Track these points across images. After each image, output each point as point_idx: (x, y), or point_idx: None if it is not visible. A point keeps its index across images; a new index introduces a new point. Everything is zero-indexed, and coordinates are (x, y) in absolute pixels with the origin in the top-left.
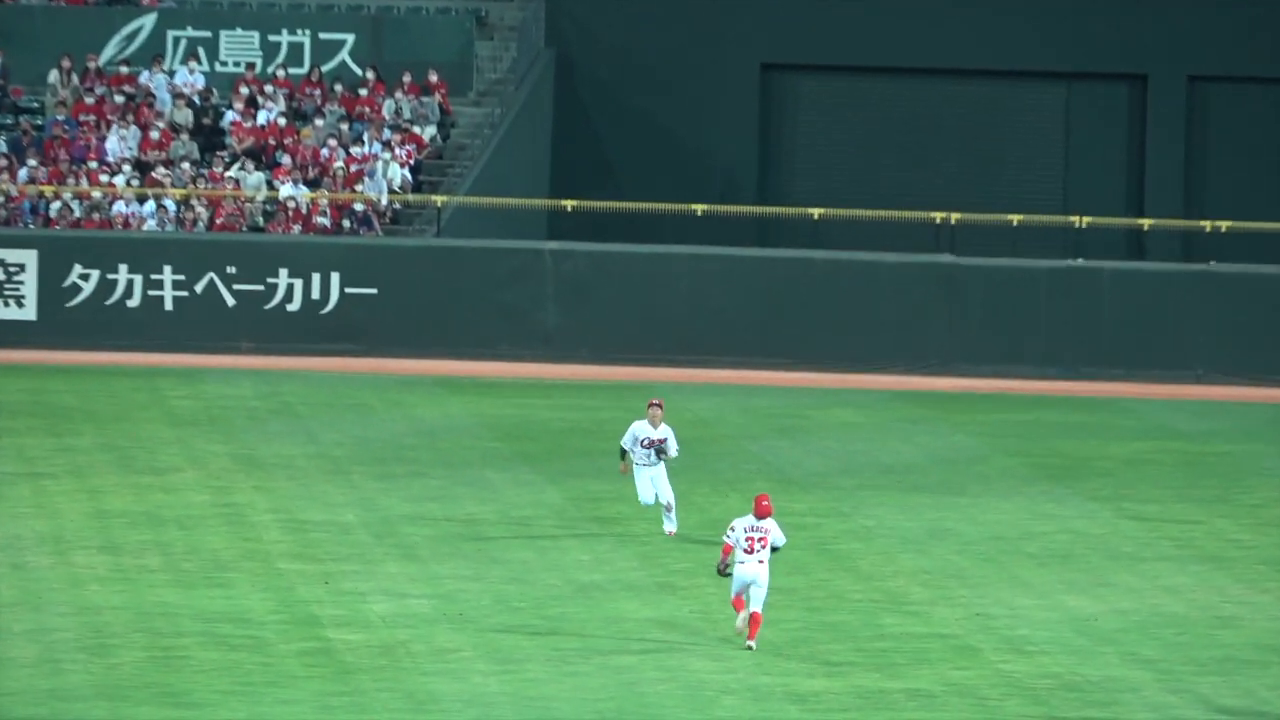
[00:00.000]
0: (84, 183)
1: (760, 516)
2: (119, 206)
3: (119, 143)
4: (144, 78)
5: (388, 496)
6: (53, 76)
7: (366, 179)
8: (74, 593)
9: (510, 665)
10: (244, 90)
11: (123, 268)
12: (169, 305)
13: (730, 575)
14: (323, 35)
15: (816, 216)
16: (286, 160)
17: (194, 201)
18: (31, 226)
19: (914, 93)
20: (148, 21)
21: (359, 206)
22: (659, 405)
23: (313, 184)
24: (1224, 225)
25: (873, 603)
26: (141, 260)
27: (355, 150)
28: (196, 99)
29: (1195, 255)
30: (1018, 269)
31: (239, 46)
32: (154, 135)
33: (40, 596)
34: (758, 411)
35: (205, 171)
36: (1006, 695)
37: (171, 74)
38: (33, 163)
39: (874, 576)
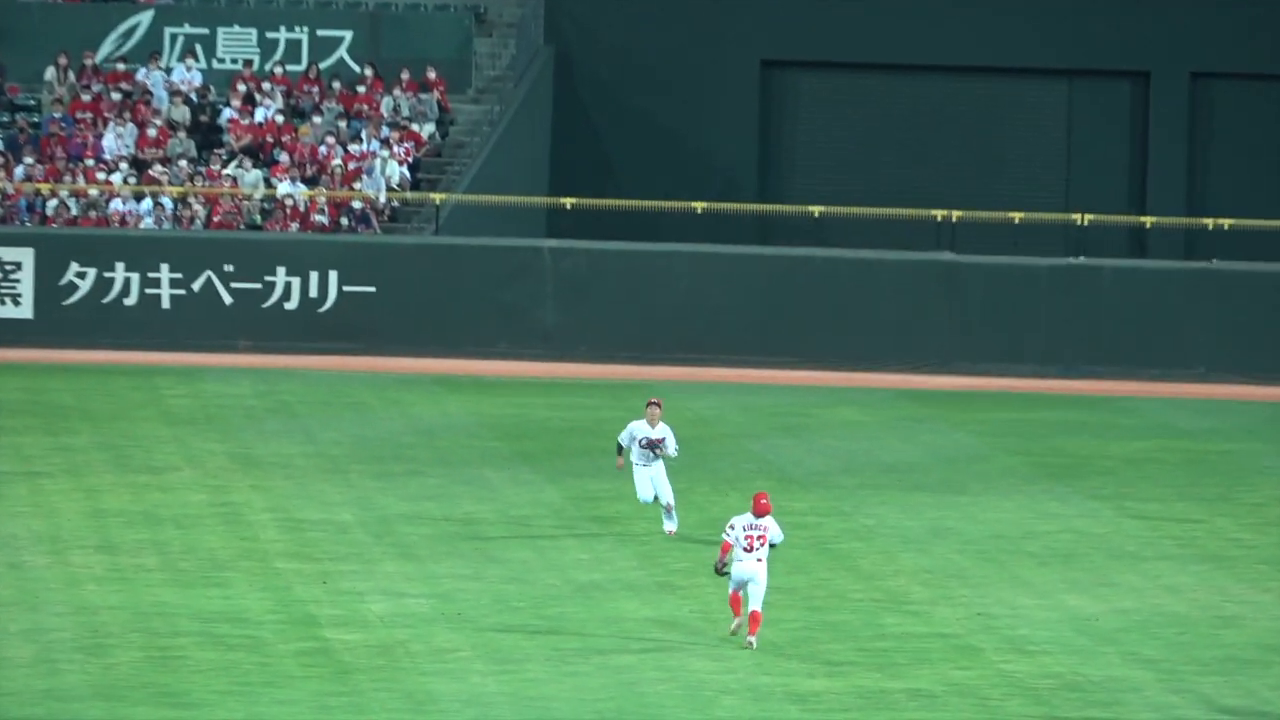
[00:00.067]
0: (81, 180)
1: (759, 515)
2: (116, 204)
3: (116, 140)
4: (141, 75)
5: (386, 495)
6: (49, 74)
7: (365, 177)
8: (71, 592)
9: (509, 665)
10: (241, 87)
11: (120, 266)
12: (166, 304)
13: (728, 574)
14: (320, 32)
15: (817, 214)
16: (284, 158)
17: (191, 199)
18: (28, 224)
19: (915, 90)
20: (145, 18)
21: (357, 204)
22: (657, 405)
23: (311, 182)
24: (1226, 223)
25: (873, 602)
26: (139, 258)
27: (353, 148)
28: (194, 96)
29: (1197, 253)
30: (1019, 267)
31: (236, 43)
32: (151, 133)
33: (37, 596)
34: (758, 410)
35: (202, 169)
36: (1008, 695)
37: (169, 71)
38: (29, 160)
39: (875, 576)
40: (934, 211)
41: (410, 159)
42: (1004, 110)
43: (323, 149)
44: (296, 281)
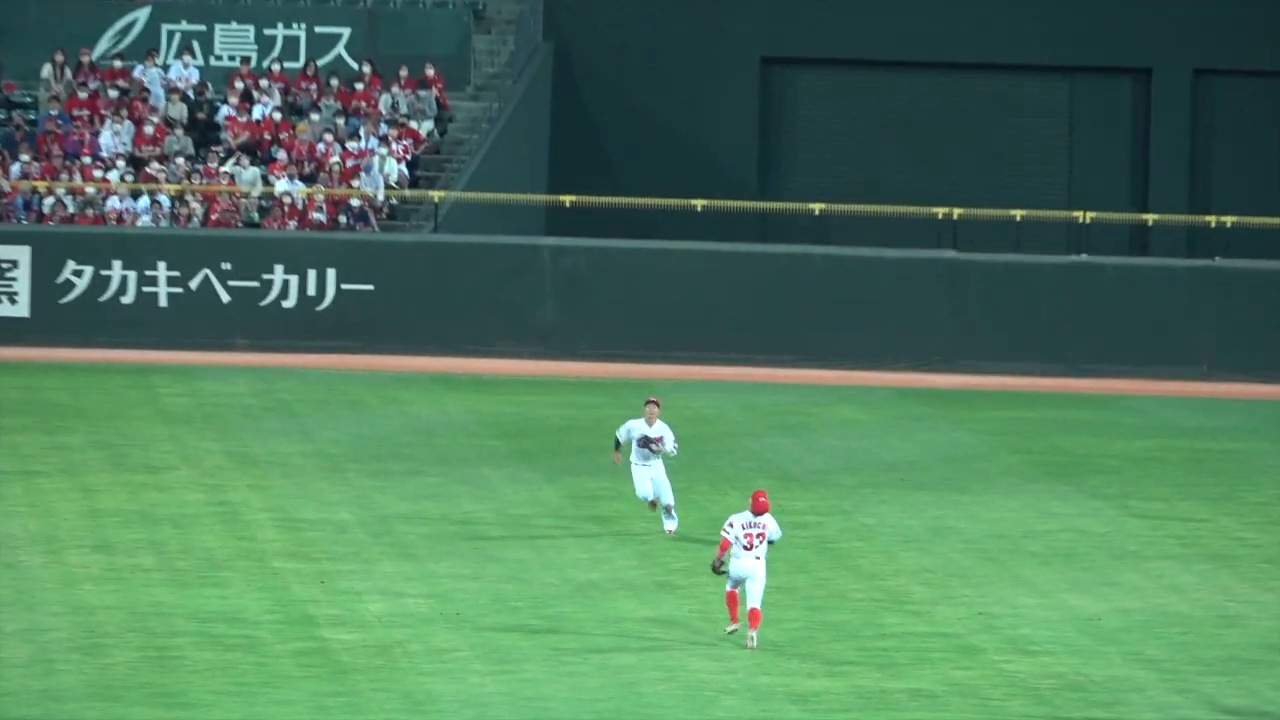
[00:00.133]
0: (77, 178)
1: (757, 513)
2: (113, 202)
3: (113, 138)
4: (138, 72)
5: (384, 494)
6: (46, 71)
7: (363, 174)
8: (67, 592)
9: (508, 665)
10: (239, 85)
11: (116, 264)
12: (163, 302)
13: (725, 573)
14: (318, 29)
15: (817, 212)
16: (282, 155)
17: (188, 197)
18: (24, 222)
19: (916, 87)
20: (142, 15)
21: (355, 202)
22: (655, 404)
23: (308, 179)
24: (1229, 220)
25: (874, 602)
26: (135, 256)
27: (351, 145)
28: (191, 93)
29: (1200, 251)
30: (1021, 265)
31: (234, 40)
32: (148, 130)
33: (33, 596)
34: (758, 409)
35: (200, 167)
36: (1009, 695)
37: (166, 68)
38: (26, 158)
39: (875, 575)
40: (935, 209)
41: (409, 156)
42: (1005, 107)
43: (321, 146)
44: (294, 280)
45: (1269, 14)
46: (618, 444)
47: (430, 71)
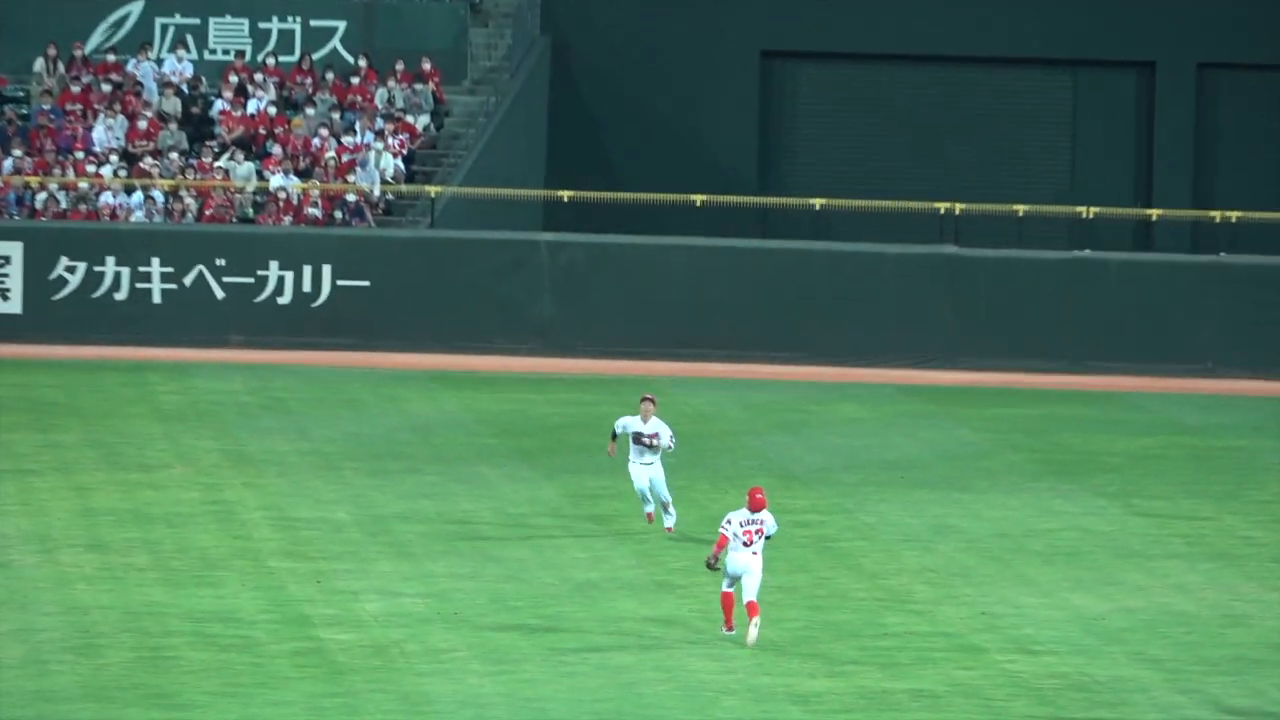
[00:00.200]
0: (70, 173)
1: (755, 510)
2: (106, 198)
3: (106, 132)
4: (131, 66)
5: (380, 493)
6: (38, 65)
7: (359, 169)
8: (61, 592)
9: (506, 665)
10: (233, 79)
11: (110, 260)
12: (157, 298)
13: (719, 569)
14: (314, 22)
15: (818, 207)
16: (277, 150)
17: (182, 192)
18: (17, 218)
19: (917, 80)
20: (135, 9)
21: (351, 197)
22: (651, 401)
23: (304, 174)
24: (1234, 215)
25: (876, 601)
26: (129, 252)
27: (347, 140)
28: (185, 88)
29: (1204, 246)
30: (1023, 260)
31: (228, 34)
32: (141, 125)
33: (26, 596)
34: (758, 406)
35: (194, 162)
36: (1012, 695)
37: (159, 62)
38: (18, 153)
39: (877, 574)
40: (937, 204)
41: (405, 151)
42: (1008, 101)
43: (316, 141)
44: (290, 276)
45: (1273, 7)
46: (614, 435)
47: (426, 65)
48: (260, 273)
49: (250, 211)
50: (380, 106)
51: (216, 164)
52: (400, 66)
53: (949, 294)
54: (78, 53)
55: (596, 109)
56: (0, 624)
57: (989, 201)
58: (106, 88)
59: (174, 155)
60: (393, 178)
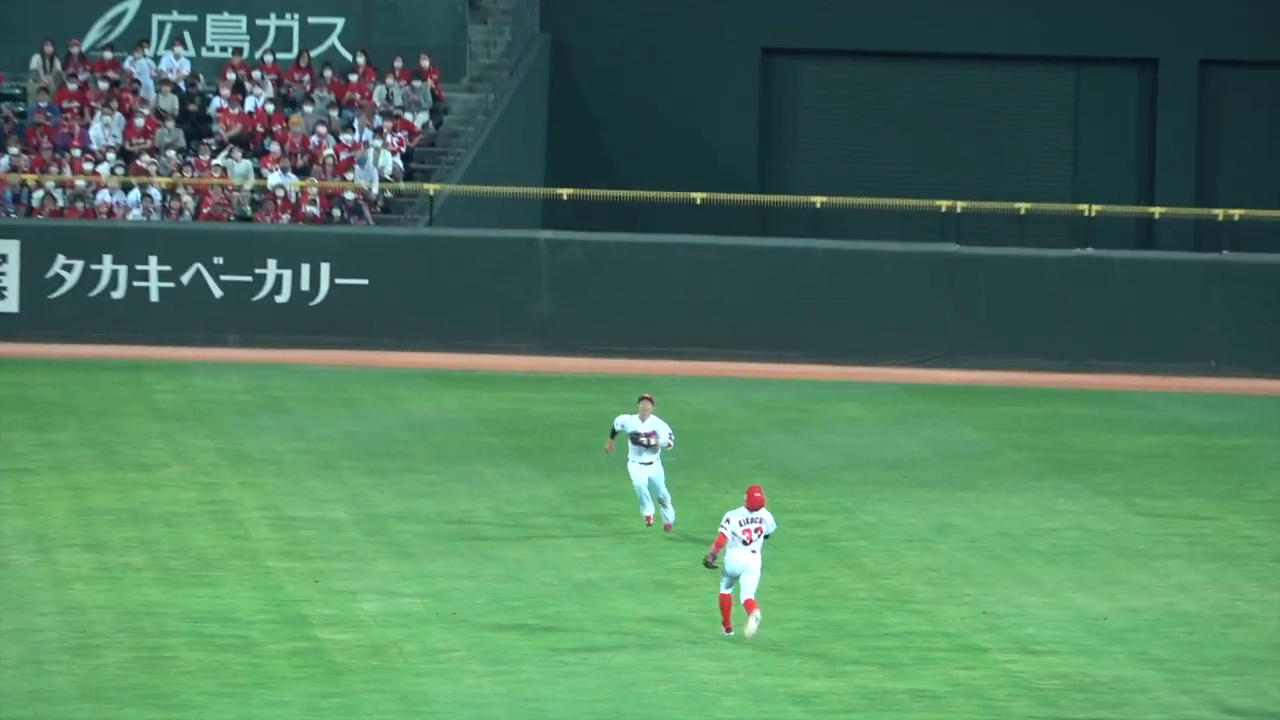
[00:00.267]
0: (67, 171)
1: (753, 508)
2: (103, 195)
3: (103, 130)
4: (128, 63)
5: (379, 492)
6: (35, 62)
7: (357, 167)
8: (57, 592)
9: (505, 666)
10: (231, 76)
11: (107, 258)
12: (154, 297)
13: (716, 567)
14: (311, 19)
15: (818, 205)
16: (275, 148)
17: (180, 190)
18: (13, 216)
19: (919, 78)
20: (132, 6)
21: (349, 195)
22: (649, 400)
23: (302, 172)
24: (1236, 214)
25: (877, 601)
26: (126, 251)
27: (345, 137)
28: (182, 85)
29: (1207, 244)
30: (1025, 258)
31: (225, 31)
32: (139, 122)
33: (23, 596)
34: (758, 405)
35: (191, 159)
36: (1014, 696)
37: (157, 59)
38: (14, 150)
39: (878, 574)
40: (938, 202)
41: (403, 149)
42: (1009, 99)
43: (314, 139)
44: (288, 274)
45: (1276, 4)
46: (614, 432)
47: (425, 63)
48: (258, 271)
49: (248, 209)
50: (379, 104)
51: (214, 162)
52: (399, 64)
53: (950, 292)
54: (74, 50)
55: (596, 106)
56: None
57: (990, 199)
58: (103, 85)
59: (171, 153)
60: (391, 175)
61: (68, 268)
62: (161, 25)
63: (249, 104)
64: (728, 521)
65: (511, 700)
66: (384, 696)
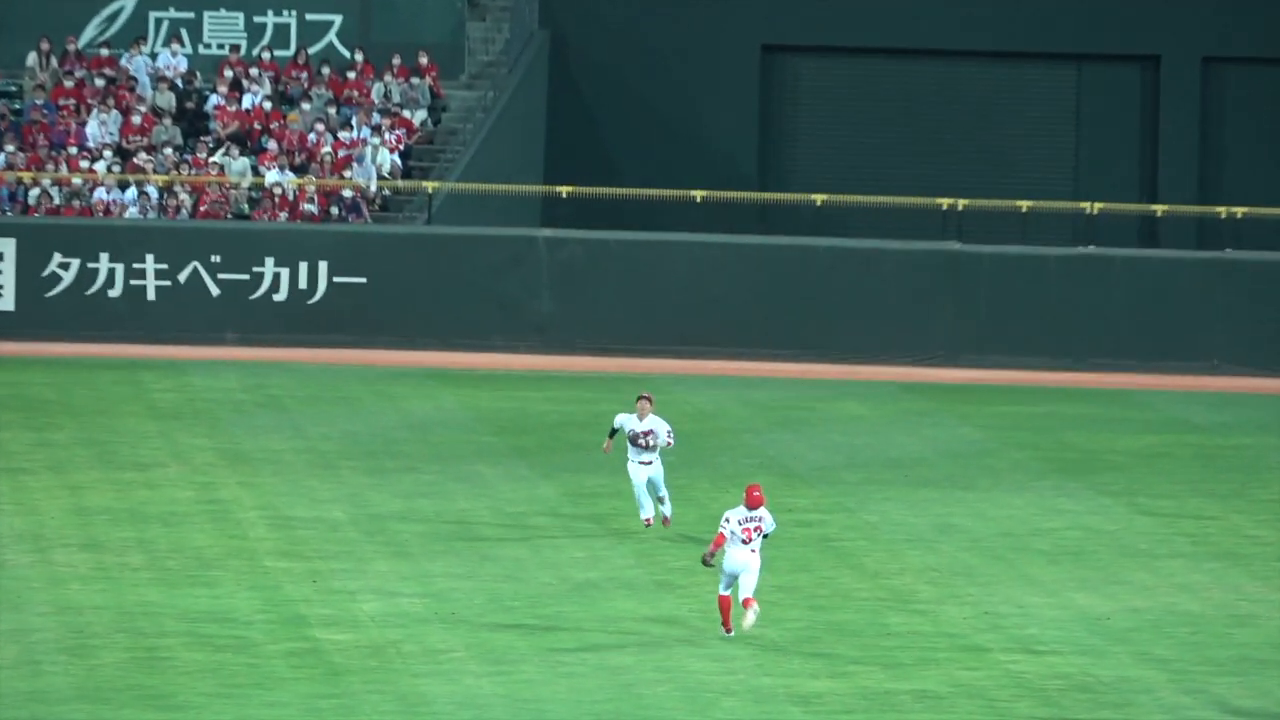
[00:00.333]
0: (63, 169)
1: (752, 507)
2: (100, 193)
3: (99, 127)
4: (125, 60)
5: (377, 492)
6: (31, 59)
7: (355, 165)
8: (54, 592)
9: (504, 666)
10: (228, 73)
11: (104, 257)
12: (151, 295)
13: (713, 565)
14: (309, 16)
15: (819, 203)
16: (272, 145)
17: (177, 188)
18: (9, 214)
19: (920, 75)
20: (128, 2)
21: (347, 193)
22: (647, 399)
23: (299, 170)
24: (1240, 211)
25: (878, 601)
26: (123, 249)
27: (343, 135)
28: (179, 82)
29: (1210, 242)
30: (1027, 256)
31: (223, 28)
32: (135, 120)
33: (19, 596)
34: (759, 404)
35: (188, 157)
36: (1016, 696)
37: (153, 56)
38: (10, 148)
39: (880, 574)
40: (940, 200)
41: (402, 146)
42: (1011, 96)
43: (312, 136)
44: (285, 272)
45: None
46: (613, 432)
47: (424, 59)
48: (256, 269)
49: (245, 207)
50: (377, 101)
51: (211, 159)
52: (397, 61)
53: (951, 291)
54: (71, 47)
55: (595, 103)
56: None
57: (992, 197)
58: (100, 82)
59: (168, 151)
60: (389, 173)
61: (64, 266)
62: (158, 22)
63: (246, 101)
64: (727, 521)
65: (511, 701)
66: (382, 697)
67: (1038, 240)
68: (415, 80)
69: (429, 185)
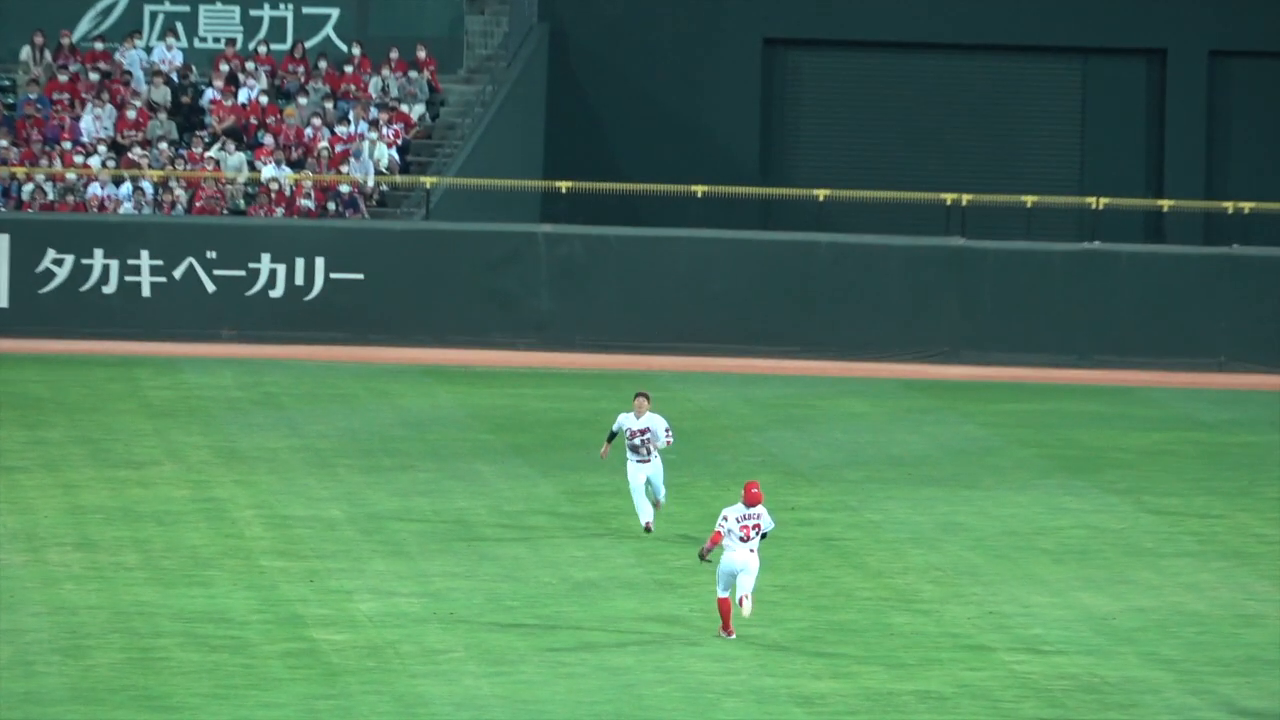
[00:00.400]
0: (58, 164)
1: (750, 504)
2: (94, 189)
3: (94, 122)
4: (119, 54)
5: (375, 491)
6: (24, 53)
7: (352, 160)
8: (48, 592)
9: (503, 666)
10: (224, 67)
11: (98, 253)
12: (146, 291)
13: (709, 561)
14: (306, 10)
15: (821, 198)
16: (269, 140)
17: (172, 183)
18: (3, 209)
19: (923, 68)
20: None
21: (344, 188)
22: (645, 396)
23: (296, 165)
24: (1247, 206)
25: (881, 601)
26: (118, 245)
27: (340, 130)
28: (174, 76)
29: (1216, 238)
30: (1032, 252)
31: (219, 21)
32: (130, 114)
33: (13, 596)
34: (761, 402)
35: (184, 152)
36: (1021, 697)
37: (148, 50)
38: (4, 143)
39: (883, 573)
40: (943, 195)
41: (399, 141)
42: (1016, 90)
43: (309, 131)
44: (282, 269)
45: None
46: (611, 435)
47: (422, 53)
48: (252, 265)
49: (241, 203)
50: (374, 96)
51: (207, 154)
52: (395, 55)
53: (956, 287)
54: (65, 41)
55: (595, 98)
56: None
57: (997, 192)
58: (94, 76)
59: (163, 145)
60: (387, 168)
61: (58, 262)
62: (153, 16)
63: (242, 96)
64: (725, 519)
65: (510, 702)
66: (380, 698)
67: (1043, 236)
68: (413, 74)
69: (427, 180)
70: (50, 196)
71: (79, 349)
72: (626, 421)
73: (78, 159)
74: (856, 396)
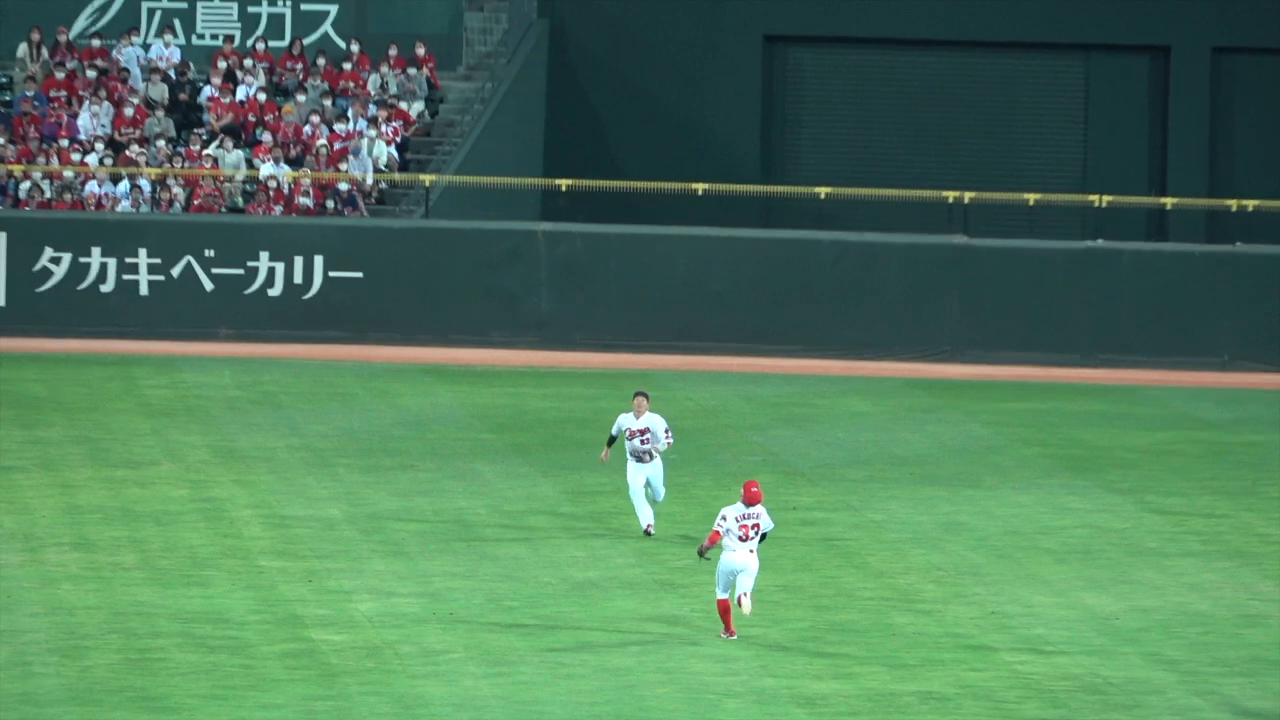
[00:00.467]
0: (55, 162)
1: (750, 504)
2: (91, 187)
3: (91, 120)
4: (117, 51)
5: (374, 490)
6: (21, 50)
7: (351, 157)
8: (45, 592)
9: (503, 667)
10: (222, 64)
11: (96, 251)
12: (144, 290)
13: (708, 559)
14: (304, 6)
15: (823, 196)
16: (267, 138)
17: (170, 181)
18: (0, 207)
19: (925, 66)
20: None
21: (343, 186)
22: (644, 396)
23: (295, 163)
24: (1250, 204)
25: (883, 601)
26: (115, 243)
27: (339, 127)
28: (172, 73)
29: (1220, 236)
30: (1034, 250)
31: (216, 18)
32: (128, 112)
33: (10, 596)
34: (762, 401)
35: (182, 150)
36: (1023, 698)
37: (146, 47)
38: (1, 140)
39: (884, 573)
40: (945, 193)
41: (398, 139)
42: (1018, 87)
43: (307, 129)
44: (280, 267)
45: None
46: (611, 439)
47: (421, 50)
48: (250, 264)
49: (240, 201)
50: (373, 93)
51: (205, 152)
52: (394, 51)
53: (958, 285)
54: (62, 38)
55: (595, 95)
56: None
57: (999, 190)
58: (92, 74)
59: (161, 143)
60: (386, 166)
61: (55, 260)
62: (151, 12)
63: (240, 93)
64: (724, 519)
65: (510, 702)
66: (379, 699)
67: (1045, 234)
68: (412, 71)
69: (426, 178)
70: (47, 194)
71: (76, 348)
72: (626, 421)
73: (75, 157)
74: (858, 395)
